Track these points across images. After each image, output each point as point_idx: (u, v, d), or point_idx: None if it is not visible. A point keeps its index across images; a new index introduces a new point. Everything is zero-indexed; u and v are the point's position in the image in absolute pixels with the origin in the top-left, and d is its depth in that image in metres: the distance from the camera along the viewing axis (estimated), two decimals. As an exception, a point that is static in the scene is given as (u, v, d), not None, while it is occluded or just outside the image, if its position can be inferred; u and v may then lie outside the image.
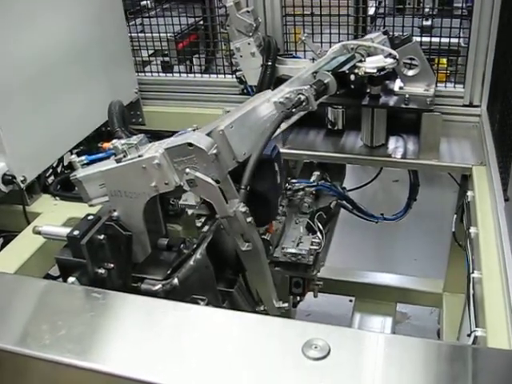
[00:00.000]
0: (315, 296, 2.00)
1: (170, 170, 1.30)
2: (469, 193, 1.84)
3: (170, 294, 1.40)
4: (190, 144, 1.27)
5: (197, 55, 3.25)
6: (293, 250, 1.77)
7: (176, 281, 1.38)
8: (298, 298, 1.97)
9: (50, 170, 2.14)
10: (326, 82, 1.60)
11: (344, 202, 2.10)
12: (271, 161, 1.52)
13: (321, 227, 1.83)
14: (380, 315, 2.67)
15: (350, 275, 2.81)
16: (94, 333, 1.16)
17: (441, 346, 1.13)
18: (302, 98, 1.52)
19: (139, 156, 1.31)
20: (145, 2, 3.16)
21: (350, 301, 2.85)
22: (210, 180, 1.27)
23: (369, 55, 1.73)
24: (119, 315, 1.21)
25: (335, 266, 2.81)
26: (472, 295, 1.50)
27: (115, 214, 1.38)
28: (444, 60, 2.67)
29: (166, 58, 3.17)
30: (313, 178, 2.08)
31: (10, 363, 1.16)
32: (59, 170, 2.20)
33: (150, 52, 2.90)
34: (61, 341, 1.13)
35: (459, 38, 2.28)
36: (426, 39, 2.27)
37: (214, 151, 1.28)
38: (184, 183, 1.30)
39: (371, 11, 3.54)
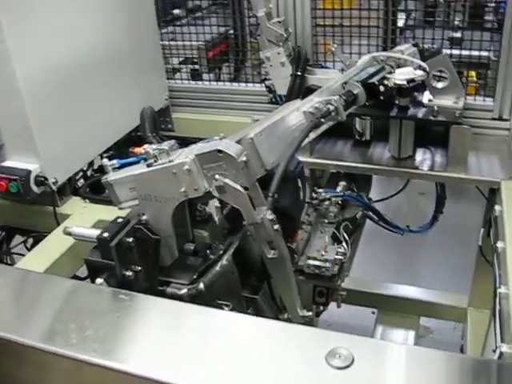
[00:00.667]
0: (338, 306, 1.99)
1: (199, 176, 1.32)
2: (496, 207, 1.83)
3: (195, 299, 1.41)
4: (220, 151, 1.28)
5: (226, 64, 3.30)
6: (317, 263, 1.78)
7: (202, 286, 1.39)
8: (321, 308, 1.97)
9: (81, 174, 2.18)
10: (355, 92, 1.61)
11: (370, 212, 2.09)
12: (295, 177, 1.54)
13: (346, 237, 1.83)
14: (403, 328, 2.66)
15: (373, 287, 2.80)
16: (119, 333, 1.18)
17: (464, 359, 1.12)
18: (331, 108, 1.53)
19: (170, 161, 1.33)
20: (177, 11, 3.22)
21: (373, 313, 2.83)
22: (238, 187, 1.29)
23: (398, 67, 1.73)
24: (145, 317, 1.23)
25: (358, 277, 2.80)
26: (498, 310, 1.49)
27: (144, 217, 1.40)
28: (473, 73, 2.66)
29: (196, 66, 3.22)
30: (339, 188, 2.08)
31: (36, 360, 1.18)
32: (89, 173, 2.24)
33: (181, 59, 2.95)
34: (87, 340, 1.15)
35: (489, 51, 2.27)
36: (455, 52, 2.27)
37: (244, 158, 1.29)
38: (213, 189, 1.31)
39: (400, 23, 3.54)
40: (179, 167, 1.32)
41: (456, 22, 2.98)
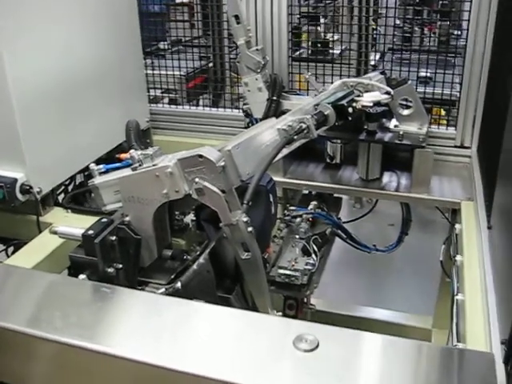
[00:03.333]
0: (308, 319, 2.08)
1: (180, 179, 1.42)
2: (457, 225, 1.96)
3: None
4: (201, 155, 1.39)
5: (205, 95, 3.44)
6: (287, 272, 1.88)
7: (179, 284, 1.48)
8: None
9: (62, 188, 2.26)
10: (326, 113, 1.74)
11: (339, 231, 2.21)
12: (267, 192, 1.66)
13: (316, 249, 1.94)
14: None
15: (343, 309, 2.89)
16: (101, 321, 1.27)
17: (421, 345, 1.22)
18: (304, 126, 1.65)
19: (154, 165, 1.44)
20: (162, 45, 3.37)
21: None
22: (216, 189, 1.39)
23: (366, 92, 1.88)
24: (125, 307, 1.32)
25: (330, 299, 2.91)
26: (455, 314, 1.60)
27: (127, 218, 1.49)
28: (442, 111, 2.84)
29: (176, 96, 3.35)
30: (310, 207, 2.20)
31: (23, 344, 1.25)
32: (70, 188, 2.32)
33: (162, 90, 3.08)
34: (71, 326, 1.23)
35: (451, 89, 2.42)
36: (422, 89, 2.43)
37: (222, 163, 1.40)
38: (193, 192, 1.42)
39: (372, 62, 3.73)
40: (162, 170, 1.42)
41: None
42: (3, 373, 1.34)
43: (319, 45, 3.83)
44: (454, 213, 2.08)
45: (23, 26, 1.85)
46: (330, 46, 4.14)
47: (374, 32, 3.86)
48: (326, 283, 2.18)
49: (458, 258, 1.77)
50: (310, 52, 3.06)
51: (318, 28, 4.10)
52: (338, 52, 4.34)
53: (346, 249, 2.45)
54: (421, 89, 2.37)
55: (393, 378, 1.10)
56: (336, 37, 4.46)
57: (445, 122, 2.59)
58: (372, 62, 3.65)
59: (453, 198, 2.06)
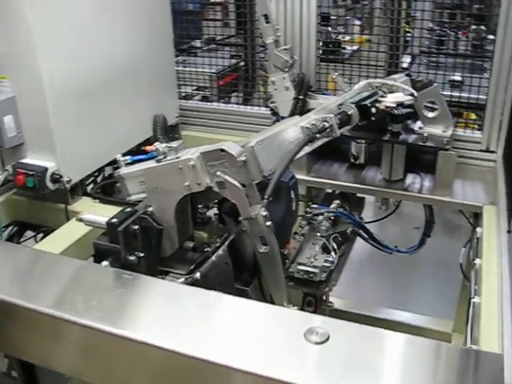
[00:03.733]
0: (326, 316, 2.11)
1: (202, 172, 1.46)
2: (478, 229, 1.96)
3: (191, 287, 1.54)
4: (223, 150, 1.43)
5: (235, 94, 3.49)
6: (306, 268, 1.90)
7: (198, 275, 1.51)
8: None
9: (91, 179, 2.33)
10: (349, 113, 1.76)
11: (360, 230, 2.22)
12: (288, 188, 1.69)
13: (335, 247, 1.96)
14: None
15: (366, 309, 2.90)
16: (121, 305, 1.31)
17: (429, 342, 1.23)
18: (327, 125, 1.67)
19: (177, 158, 1.48)
20: (195, 43, 3.44)
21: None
22: (237, 183, 1.43)
23: (390, 93, 1.89)
24: (146, 293, 1.36)
25: (349, 298, 2.93)
26: (471, 317, 1.61)
27: (150, 208, 1.54)
28: (473, 115, 2.83)
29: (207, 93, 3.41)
30: (332, 206, 2.22)
31: (47, 325, 1.30)
32: (98, 179, 2.39)
33: (191, 87, 3.14)
34: (92, 309, 1.28)
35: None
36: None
37: (243, 158, 1.43)
38: (214, 185, 1.46)
39: (405, 64, 3.73)
40: (185, 163, 1.46)
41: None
42: (28, 352, 1.40)
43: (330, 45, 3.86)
44: (476, 216, 2.08)
45: (58, 21, 1.92)
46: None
47: (407, 34, 3.85)
48: (347, 283, 2.20)
49: (477, 261, 1.77)
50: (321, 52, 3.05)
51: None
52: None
53: (369, 250, 2.47)
54: (453, 92, 2.38)
55: (401, 374, 1.12)
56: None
57: (475, 126, 2.59)
58: (404, 65, 3.65)
59: (475, 202, 2.06)
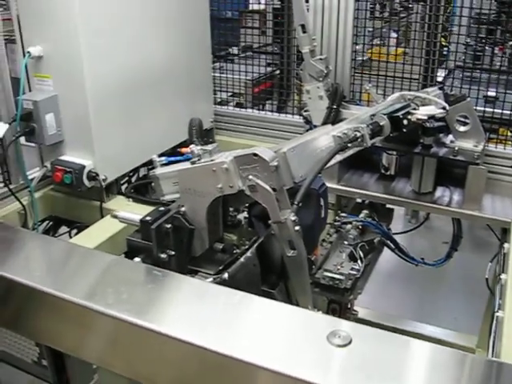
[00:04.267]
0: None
1: (235, 175, 1.50)
2: (505, 245, 1.96)
3: (219, 287, 1.58)
4: (256, 154, 1.47)
5: (270, 101, 3.54)
6: (332, 275, 1.93)
7: (226, 275, 1.55)
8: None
9: (126, 178, 2.40)
10: (381, 123, 1.79)
11: (388, 241, 2.24)
12: (318, 195, 1.72)
13: (362, 255, 1.98)
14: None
15: (387, 320, 2.91)
16: (150, 300, 1.35)
17: (451, 351, 1.24)
18: (358, 134, 1.70)
19: (211, 160, 1.53)
20: (233, 50, 3.50)
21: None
22: (268, 187, 1.47)
23: (423, 105, 1.91)
24: (175, 290, 1.40)
25: (375, 309, 2.94)
26: (494, 331, 1.62)
27: (183, 208, 1.59)
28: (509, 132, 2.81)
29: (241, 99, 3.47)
30: (361, 216, 2.24)
31: (77, 315, 1.35)
32: (133, 179, 2.46)
33: (229, 94, 3.20)
34: (122, 302, 1.32)
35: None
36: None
37: (275, 163, 1.47)
38: (246, 188, 1.50)
39: (439, 78, 3.72)
40: (219, 166, 1.51)
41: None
42: (58, 341, 1.45)
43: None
44: (504, 232, 2.09)
45: (103, 24, 1.99)
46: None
47: (444, 49, 3.85)
48: (373, 293, 2.21)
49: (503, 276, 1.78)
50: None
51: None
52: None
53: (397, 262, 2.49)
54: (486, 108, 2.38)
55: (418, 380, 1.14)
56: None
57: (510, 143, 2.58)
58: (439, 79, 3.65)
59: (504, 217, 2.07)
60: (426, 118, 1.82)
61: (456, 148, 2.07)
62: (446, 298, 3.83)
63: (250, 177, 1.48)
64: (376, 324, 2.83)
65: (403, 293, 3.79)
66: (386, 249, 2.28)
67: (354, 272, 1.93)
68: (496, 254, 2.10)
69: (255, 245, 1.59)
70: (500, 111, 2.38)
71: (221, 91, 3.02)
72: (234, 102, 3.30)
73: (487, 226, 2.19)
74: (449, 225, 2.43)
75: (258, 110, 3.07)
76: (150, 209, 1.76)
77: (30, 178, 2.17)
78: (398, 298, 3.70)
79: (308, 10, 2.37)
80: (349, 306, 2.14)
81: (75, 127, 2.05)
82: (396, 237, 2.33)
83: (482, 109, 2.39)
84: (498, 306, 1.69)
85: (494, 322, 1.64)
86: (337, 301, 2.05)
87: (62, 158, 2.10)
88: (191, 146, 1.58)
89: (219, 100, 3.08)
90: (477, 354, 2.63)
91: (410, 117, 1.82)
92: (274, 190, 1.47)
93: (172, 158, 1.64)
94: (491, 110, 2.46)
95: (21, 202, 2.11)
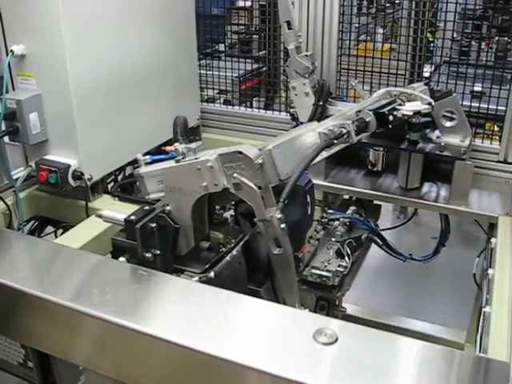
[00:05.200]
0: (338, 321, 2.12)
1: (220, 173, 1.49)
2: (493, 239, 1.97)
3: (205, 286, 1.57)
4: (240, 152, 1.46)
5: (257, 98, 3.52)
6: (319, 272, 1.93)
7: (212, 274, 1.54)
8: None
9: (112, 177, 2.38)
10: (367, 120, 1.78)
11: (375, 237, 2.24)
12: (305, 192, 1.71)
13: (349, 252, 1.98)
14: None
15: (376, 316, 2.91)
16: (136, 300, 1.34)
17: (439, 348, 1.24)
18: (344, 131, 1.70)
19: (196, 158, 1.52)
20: (220, 47, 3.48)
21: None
22: (253, 185, 1.46)
23: (409, 101, 1.91)
24: (161, 289, 1.39)
25: (363, 305, 2.94)
26: (481, 326, 1.62)
27: (168, 207, 1.58)
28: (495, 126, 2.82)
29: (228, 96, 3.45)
30: (348, 212, 2.24)
31: (62, 316, 1.34)
32: (119, 178, 2.44)
33: (213, 90, 3.18)
34: (107, 303, 1.31)
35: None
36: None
37: (260, 161, 1.46)
38: (231, 186, 1.49)
39: (426, 74, 3.72)
40: (203, 164, 1.50)
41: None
42: (44, 342, 1.44)
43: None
44: (491, 227, 2.09)
45: (87, 24, 1.97)
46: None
47: (431, 44, 3.85)
48: (361, 290, 2.21)
49: (490, 271, 1.78)
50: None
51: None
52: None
53: (385, 258, 2.49)
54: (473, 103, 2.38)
55: (409, 378, 1.13)
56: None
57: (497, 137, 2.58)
58: (426, 74, 3.65)
59: (490, 212, 2.07)
60: (411, 113, 1.81)
61: (442, 143, 2.07)
62: (434, 294, 3.85)
63: (235, 175, 1.47)
64: (365, 320, 2.83)
65: (392, 289, 3.80)
66: (374, 245, 2.28)
67: (341, 269, 1.93)
68: (483, 249, 2.11)
69: (241, 243, 1.59)
70: (486, 106, 2.38)
71: (207, 88, 3.00)
72: (221, 100, 3.28)
73: (475, 221, 2.19)
74: (437, 220, 2.44)
75: (246, 107, 3.06)
76: (135, 207, 1.74)
77: (14, 177, 2.15)
78: (387, 293, 3.71)
79: (293, 6, 2.35)
80: (337, 302, 2.15)
81: (59, 126, 2.03)
82: (385, 232, 2.34)
83: (469, 104, 2.39)
84: (486, 301, 1.69)
85: (482, 317, 1.64)
86: (325, 298, 2.05)
87: (47, 157, 2.08)
88: (175, 144, 1.57)
89: (206, 97, 3.06)
90: (466, 349, 2.64)
91: (395, 113, 1.82)
92: (259, 187, 1.46)
93: (156, 157, 1.63)
94: (477, 105, 2.46)
95: (5, 202, 2.09)
